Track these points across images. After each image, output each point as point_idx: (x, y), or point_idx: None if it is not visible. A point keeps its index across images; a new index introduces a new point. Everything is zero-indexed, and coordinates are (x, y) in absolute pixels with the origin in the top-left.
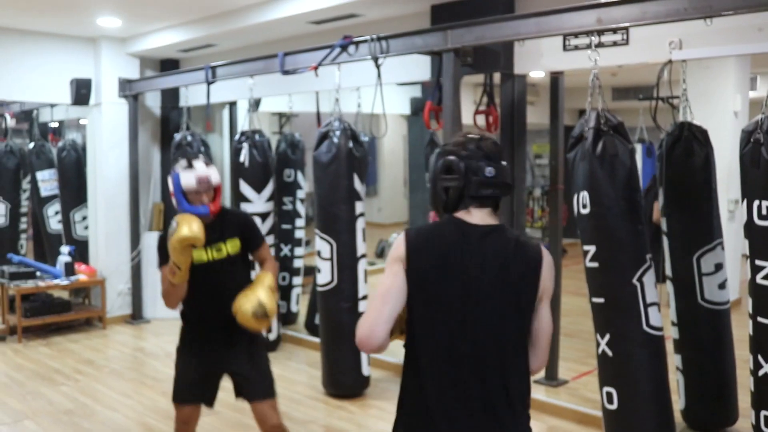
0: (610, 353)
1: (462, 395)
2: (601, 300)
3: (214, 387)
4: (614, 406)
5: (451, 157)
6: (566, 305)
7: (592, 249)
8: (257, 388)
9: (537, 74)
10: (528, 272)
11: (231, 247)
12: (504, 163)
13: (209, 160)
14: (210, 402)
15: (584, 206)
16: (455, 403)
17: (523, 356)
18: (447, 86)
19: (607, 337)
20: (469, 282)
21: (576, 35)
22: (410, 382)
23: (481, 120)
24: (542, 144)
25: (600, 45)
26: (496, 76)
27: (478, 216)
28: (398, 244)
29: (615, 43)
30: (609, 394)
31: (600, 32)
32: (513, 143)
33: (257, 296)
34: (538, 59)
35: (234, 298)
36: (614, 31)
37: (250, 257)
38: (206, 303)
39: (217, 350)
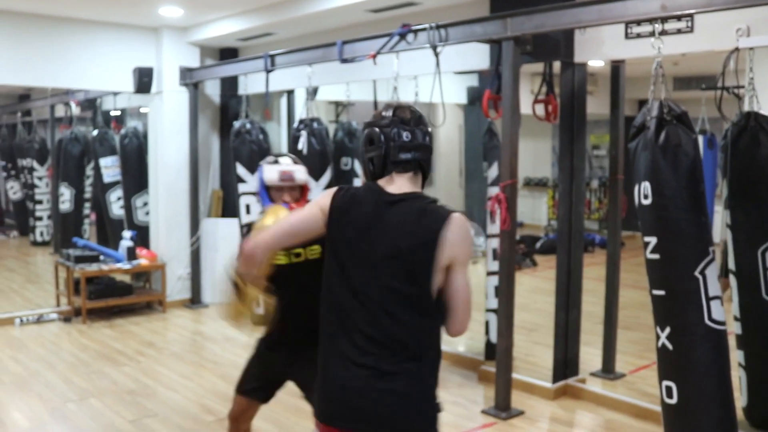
0: (670, 347)
1: (336, 350)
2: (661, 292)
3: (274, 389)
4: (674, 401)
5: (371, 129)
6: (624, 298)
7: (653, 240)
8: None
9: (596, 63)
10: (427, 240)
11: (310, 252)
12: (423, 127)
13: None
14: (266, 400)
15: (646, 197)
16: (332, 357)
17: (418, 321)
18: (506, 75)
19: (668, 330)
20: (368, 249)
21: (639, 23)
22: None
23: (540, 109)
24: (600, 134)
25: (663, 33)
26: (556, 65)
27: (398, 183)
28: (327, 194)
29: (679, 31)
30: (668, 389)
31: (664, 19)
32: (573, 133)
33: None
34: (599, 47)
35: (309, 304)
36: (679, 18)
37: None
38: (285, 304)
39: (286, 356)
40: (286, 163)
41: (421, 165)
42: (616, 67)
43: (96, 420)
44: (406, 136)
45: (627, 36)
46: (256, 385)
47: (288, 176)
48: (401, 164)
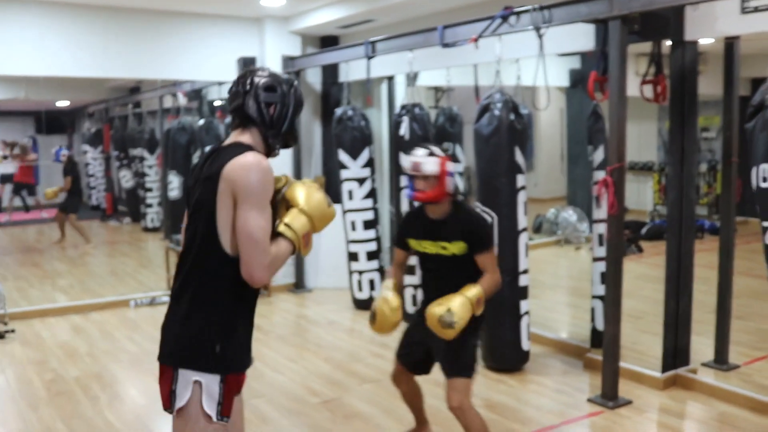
0: None
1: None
2: None
3: (418, 356)
4: None
5: None
6: (738, 286)
7: None
8: (445, 366)
9: (707, 41)
10: (211, 177)
11: (456, 248)
12: (241, 79)
13: (441, 151)
14: (413, 368)
15: (765, 179)
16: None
17: (205, 258)
18: (613, 55)
19: None
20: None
21: None
22: None
23: (648, 91)
24: (709, 116)
25: None
26: (664, 44)
27: (232, 136)
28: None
29: None
30: None
31: None
32: (683, 116)
33: (450, 304)
34: (712, 24)
35: (448, 293)
36: None
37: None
38: (428, 287)
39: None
40: (417, 155)
41: (241, 113)
42: (730, 44)
43: None
44: (227, 91)
45: (743, 10)
46: (405, 352)
47: (416, 167)
48: (232, 120)
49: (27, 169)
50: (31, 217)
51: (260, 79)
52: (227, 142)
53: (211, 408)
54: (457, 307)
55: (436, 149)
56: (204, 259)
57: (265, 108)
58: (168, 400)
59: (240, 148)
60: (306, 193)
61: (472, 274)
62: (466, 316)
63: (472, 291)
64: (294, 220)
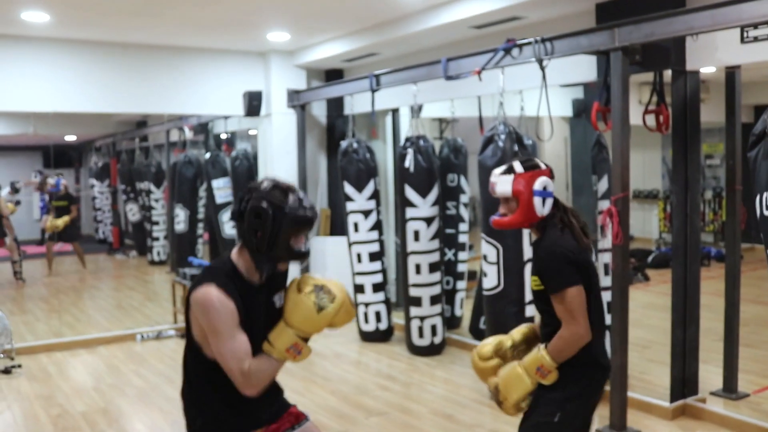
0: None
1: None
2: None
3: None
4: None
5: None
6: (745, 314)
7: None
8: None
9: (707, 70)
10: (188, 297)
11: (534, 283)
12: (242, 205)
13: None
14: None
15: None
16: None
17: (188, 377)
18: (615, 86)
19: None
20: None
21: (756, 26)
22: None
23: (651, 120)
24: (712, 143)
25: None
26: (666, 74)
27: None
28: None
29: None
30: None
31: None
32: (686, 144)
33: (499, 377)
34: (713, 54)
35: (546, 339)
36: None
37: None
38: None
39: None
40: (495, 173)
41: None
42: (731, 73)
43: None
44: None
45: (743, 40)
46: None
47: (491, 188)
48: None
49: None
50: (38, 251)
51: (254, 203)
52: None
53: None
54: (503, 380)
55: (518, 165)
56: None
57: (251, 233)
58: None
59: (210, 272)
60: (291, 306)
61: (552, 324)
62: (518, 391)
63: (531, 356)
64: (278, 337)
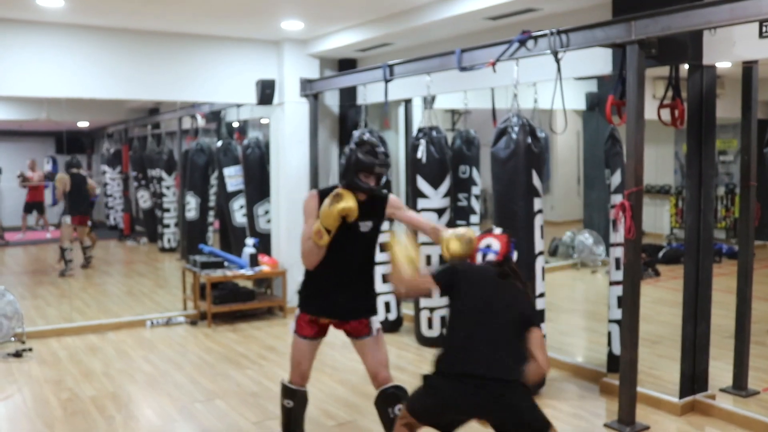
0: None
1: None
2: None
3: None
4: None
5: None
6: (756, 311)
7: None
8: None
9: (724, 65)
10: None
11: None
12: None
13: None
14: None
15: None
16: None
17: None
18: (630, 79)
19: None
20: None
21: None
22: None
23: (665, 114)
24: (726, 139)
25: None
26: (682, 68)
27: None
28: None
29: None
30: None
31: None
32: (701, 139)
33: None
34: (730, 48)
35: None
36: None
37: None
38: None
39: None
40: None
41: None
42: (749, 68)
43: (221, 420)
44: None
45: (761, 35)
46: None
47: None
48: None
49: (37, 188)
50: (50, 236)
51: (348, 146)
52: None
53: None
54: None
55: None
56: None
57: (342, 164)
58: None
59: (318, 188)
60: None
61: None
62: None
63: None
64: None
